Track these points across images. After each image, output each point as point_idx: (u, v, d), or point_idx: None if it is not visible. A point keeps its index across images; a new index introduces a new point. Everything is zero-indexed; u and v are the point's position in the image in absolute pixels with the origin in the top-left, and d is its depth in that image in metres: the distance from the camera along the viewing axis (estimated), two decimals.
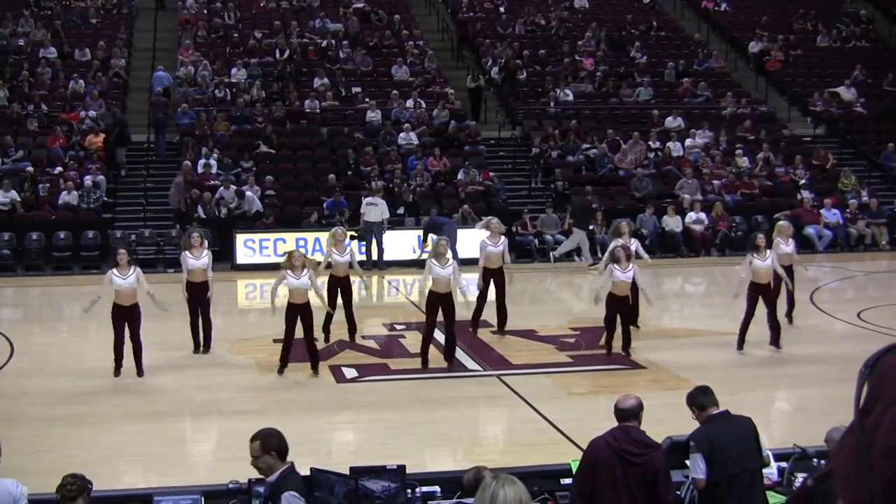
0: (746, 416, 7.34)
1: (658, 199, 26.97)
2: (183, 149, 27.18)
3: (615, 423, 7.01)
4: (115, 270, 13.80)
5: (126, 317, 13.68)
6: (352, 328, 15.98)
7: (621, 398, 7.02)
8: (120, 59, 31.13)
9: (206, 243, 15.82)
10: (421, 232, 23.88)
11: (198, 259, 15.31)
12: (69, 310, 21.26)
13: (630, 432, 6.80)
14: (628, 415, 6.88)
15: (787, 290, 16.44)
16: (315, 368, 13.93)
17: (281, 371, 13.89)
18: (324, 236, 24.11)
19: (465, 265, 16.05)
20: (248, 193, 25.28)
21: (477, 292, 16.45)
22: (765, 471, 7.55)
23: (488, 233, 16.69)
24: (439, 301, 14.11)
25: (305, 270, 13.76)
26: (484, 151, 28.99)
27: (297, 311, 13.66)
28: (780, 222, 17.21)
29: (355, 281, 16.44)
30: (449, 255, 14.35)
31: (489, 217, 17.19)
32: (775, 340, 15.22)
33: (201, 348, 15.35)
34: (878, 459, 1.83)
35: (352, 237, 24.05)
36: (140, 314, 13.83)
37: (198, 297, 15.28)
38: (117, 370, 13.73)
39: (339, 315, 15.95)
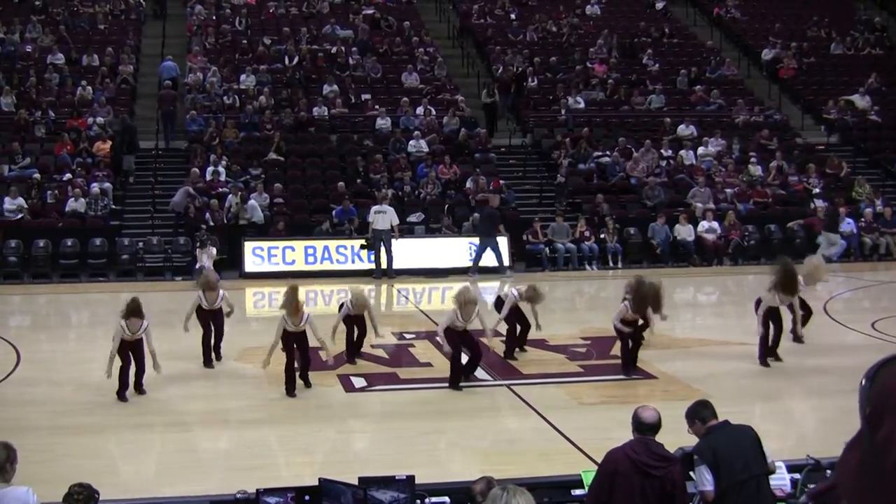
0: (746, 424, 7.35)
1: (670, 207, 26.95)
2: (191, 156, 27.24)
3: (626, 433, 7.01)
4: (124, 322, 13.23)
5: (132, 348, 13.44)
6: (358, 350, 15.75)
7: (641, 410, 7.00)
8: (128, 65, 31.27)
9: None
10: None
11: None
12: (76, 318, 21.32)
13: (649, 445, 6.81)
14: (648, 427, 6.87)
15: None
16: (305, 379, 13.78)
17: (292, 393, 13.58)
18: (333, 245, 24.31)
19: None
20: (251, 202, 25.33)
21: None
22: (777, 482, 7.55)
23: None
24: (460, 336, 13.93)
25: (306, 315, 13.58)
26: (494, 159, 29.00)
27: (293, 338, 13.54)
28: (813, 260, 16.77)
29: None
30: (476, 312, 13.94)
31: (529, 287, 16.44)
32: (764, 356, 15.11)
33: (213, 361, 15.26)
34: (891, 474, 1.83)
35: (362, 246, 24.13)
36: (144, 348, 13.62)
37: (213, 317, 15.27)
38: (122, 393, 13.45)
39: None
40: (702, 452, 7.02)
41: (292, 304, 13.51)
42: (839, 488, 1.97)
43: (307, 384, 13.76)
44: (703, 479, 6.94)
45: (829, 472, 7.86)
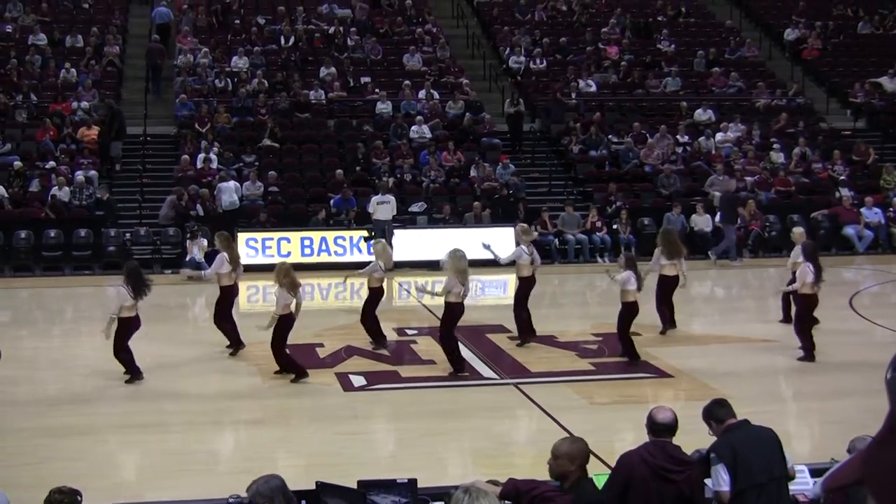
0: (766, 426, 7.33)
1: (686, 196, 26.91)
2: (181, 142, 27.23)
3: (639, 435, 6.99)
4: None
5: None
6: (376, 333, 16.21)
7: (656, 410, 6.96)
8: (114, 46, 31.23)
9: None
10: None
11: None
12: (60, 313, 21.31)
13: (666, 448, 6.77)
14: (664, 429, 6.84)
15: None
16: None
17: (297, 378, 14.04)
18: (331, 235, 24.30)
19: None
20: (223, 184, 25.20)
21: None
22: (800, 487, 7.51)
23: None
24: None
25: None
26: (500, 145, 28.93)
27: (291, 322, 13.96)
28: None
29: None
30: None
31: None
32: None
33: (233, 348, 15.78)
34: None
35: (365, 238, 24.15)
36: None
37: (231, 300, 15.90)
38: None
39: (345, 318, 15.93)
40: (720, 450, 6.98)
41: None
42: (869, 484, 1.95)
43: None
44: (720, 479, 6.90)
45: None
